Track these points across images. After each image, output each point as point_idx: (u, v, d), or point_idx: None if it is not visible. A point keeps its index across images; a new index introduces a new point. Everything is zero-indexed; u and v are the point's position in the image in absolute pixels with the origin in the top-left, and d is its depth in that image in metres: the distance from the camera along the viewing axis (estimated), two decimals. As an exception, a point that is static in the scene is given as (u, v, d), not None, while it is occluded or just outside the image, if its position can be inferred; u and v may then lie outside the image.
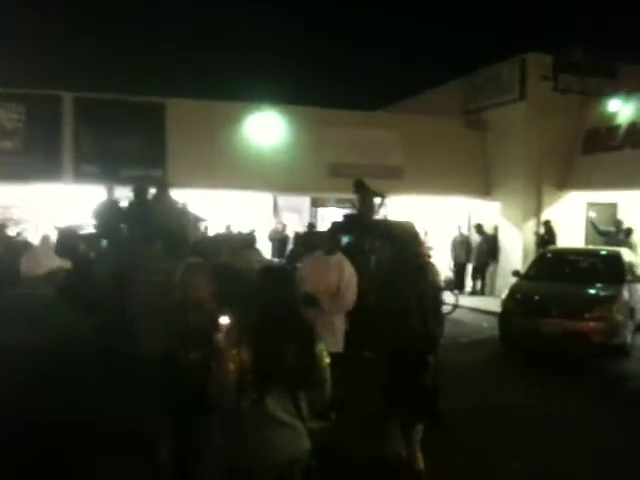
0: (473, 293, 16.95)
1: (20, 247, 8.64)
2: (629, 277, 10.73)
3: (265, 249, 13.93)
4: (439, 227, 17.45)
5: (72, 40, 28.04)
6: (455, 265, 17.47)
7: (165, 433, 4.50)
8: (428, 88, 19.97)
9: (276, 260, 14.72)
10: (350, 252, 6.64)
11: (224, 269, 5.51)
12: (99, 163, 13.97)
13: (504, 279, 14.66)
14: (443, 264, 14.85)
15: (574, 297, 10.11)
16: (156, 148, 14.48)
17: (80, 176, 13.96)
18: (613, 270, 10.84)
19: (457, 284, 16.47)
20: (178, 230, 7.21)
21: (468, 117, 18.04)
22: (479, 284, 17.24)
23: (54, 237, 9.64)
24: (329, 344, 3.63)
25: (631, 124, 15.25)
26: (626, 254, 11.55)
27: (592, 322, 9.61)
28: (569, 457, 5.86)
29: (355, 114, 16.92)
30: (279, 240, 16.39)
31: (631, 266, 11.19)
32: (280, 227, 16.92)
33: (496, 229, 17.38)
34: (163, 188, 9.23)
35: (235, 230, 13.40)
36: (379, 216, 10.21)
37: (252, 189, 15.29)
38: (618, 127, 15.53)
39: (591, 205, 16.14)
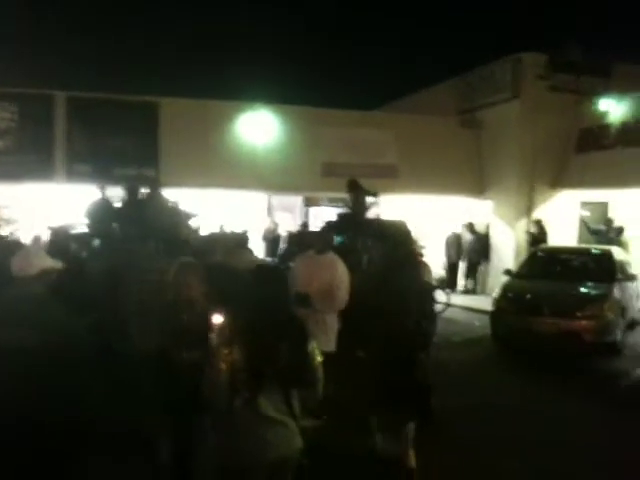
0: (465, 292, 16.99)
1: (12, 247, 8.61)
2: (620, 275, 10.79)
3: (259, 249, 13.94)
4: (433, 226, 17.48)
5: (67, 40, 28.05)
6: (448, 264, 17.51)
7: (162, 433, 4.51)
8: (423, 87, 19.99)
9: (269, 259, 14.71)
10: (343, 251, 6.64)
11: (217, 268, 5.52)
12: (92, 162, 13.93)
13: (496, 278, 14.70)
14: (436, 263, 14.87)
15: (566, 296, 10.16)
16: (149, 147, 14.45)
17: (73, 175, 13.92)
18: (604, 269, 10.90)
19: (449, 283, 16.51)
20: (171, 229, 7.22)
21: (463, 116, 18.07)
22: (471, 283, 17.28)
23: (46, 237, 9.62)
24: (321, 343, 3.65)
25: (624, 123, 15.29)
26: (617, 253, 11.61)
27: (584, 320, 9.66)
28: (562, 455, 5.89)
29: (349, 113, 16.92)
30: (272, 239, 16.38)
31: (622, 264, 11.25)
32: (272, 226, 16.91)
33: (488, 228, 17.42)
34: (155, 187, 9.21)
35: (228, 230, 13.40)
36: (372, 215, 10.21)
37: (246, 188, 15.28)
38: (611, 126, 15.58)
39: (584, 204, 16.20)
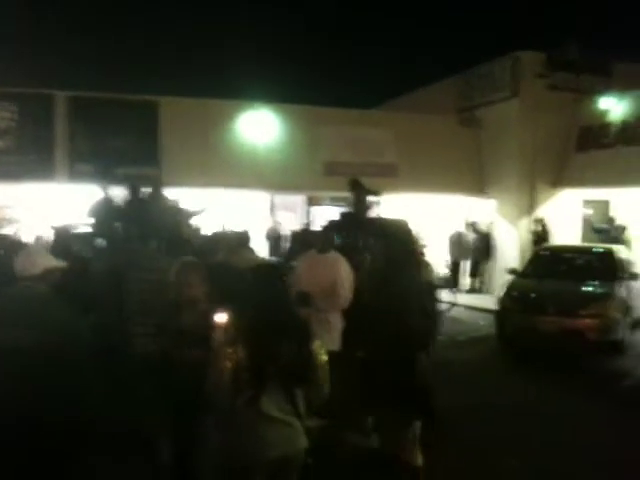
0: (470, 291, 16.96)
1: (15, 246, 8.61)
2: (624, 274, 10.76)
3: (262, 248, 13.92)
4: (434, 225, 17.45)
5: (68, 39, 28.02)
6: (451, 263, 17.48)
7: (163, 432, 4.48)
8: (422, 86, 19.97)
9: (273, 258, 14.70)
10: (345, 250, 6.61)
11: (220, 267, 5.49)
12: (93, 162, 13.86)
13: (500, 277, 14.66)
14: (439, 262, 14.85)
15: (570, 294, 10.13)
16: (150, 147, 14.43)
17: (74, 175, 13.90)
18: (608, 267, 10.86)
19: (453, 282, 16.50)
20: (174, 228, 7.20)
21: (462, 115, 18.05)
22: (476, 282, 17.25)
23: (49, 236, 9.61)
24: (325, 342, 3.61)
25: (624, 122, 15.28)
26: (621, 251, 11.58)
27: (587, 319, 9.62)
28: (566, 455, 5.87)
29: (349, 112, 16.91)
30: (275, 239, 16.36)
31: (626, 263, 11.22)
32: (275, 226, 16.89)
33: (491, 227, 17.39)
34: (158, 187, 9.19)
35: (230, 229, 13.38)
36: (374, 214, 10.19)
37: (247, 188, 15.25)
38: (611, 125, 15.57)
39: (586, 202, 16.16)
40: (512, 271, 11.79)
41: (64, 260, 3.73)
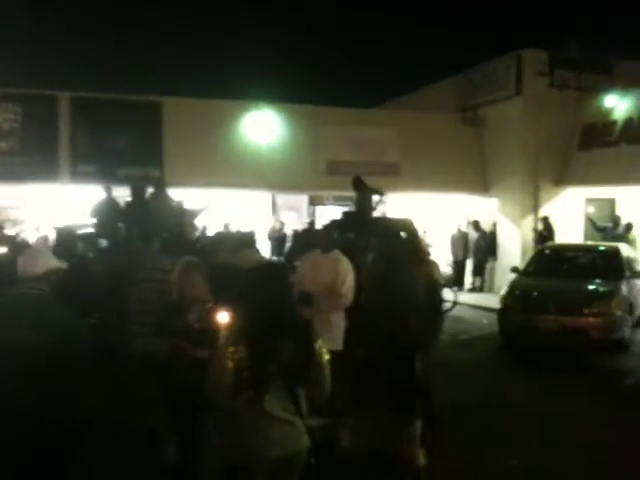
0: (472, 290, 16.95)
1: (21, 247, 8.65)
2: (628, 272, 10.74)
3: (264, 248, 13.93)
4: (437, 224, 17.45)
5: (69, 40, 28.02)
6: (454, 262, 17.47)
7: (164, 433, 4.49)
8: (424, 85, 19.95)
9: (275, 259, 14.71)
10: (348, 250, 6.61)
11: (223, 268, 5.50)
12: (96, 163, 13.94)
13: (503, 276, 14.66)
14: (442, 261, 14.85)
15: (573, 293, 10.11)
16: (153, 147, 14.45)
17: (77, 176, 13.93)
18: (612, 266, 10.84)
19: (456, 281, 16.49)
20: (176, 229, 7.21)
21: (464, 114, 18.03)
22: (478, 281, 17.24)
23: (53, 237, 9.64)
24: (327, 342, 3.62)
25: (627, 120, 15.26)
26: (625, 250, 11.55)
27: (591, 318, 9.61)
28: (566, 454, 5.85)
29: (352, 112, 16.91)
30: (277, 238, 16.37)
31: (630, 261, 11.20)
32: (278, 225, 16.90)
33: (494, 226, 17.38)
34: (160, 187, 9.22)
35: (234, 229, 13.41)
36: (378, 213, 10.20)
37: (250, 187, 15.27)
38: (614, 123, 15.54)
39: (589, 201, 16.14)
40: (515, 270, 11.77)
41: (66, 260, 3.74)
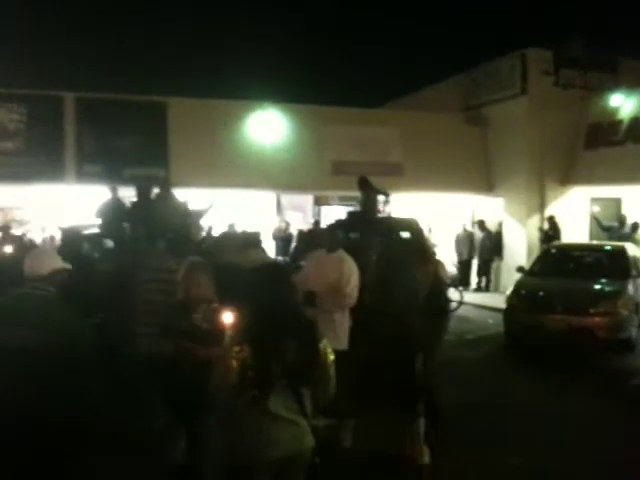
0: (478, 289, 16.93)
1: (28, 247, 8.69)
2: (634, 272, 10.69)
3: (269, 248, 13.94)
4: (442, 224, 17.43)
5: (72, 40, 28.02)
6: (459, 262, 17.45)
7: (167, 432, 4.50)
8: (427, 85, 19.93)
9: (280, 258, 14.72)
10: (352, 250, 6.61)
11: (228, 268, 5.51)
12: (101, 163, 13.95)
13: (509, 275, 14.63)
14: (447, 261, 14.83)
15: (579, 293, 10.08)
16: (158, 147, 14.46)
17: (82, 176, 13.95)
18: (618, 265, 10.80)
19: (462, 281, 16.46)
20: (181, 229, 7.22)
21: (468, 113, 17.99)
22: (484, 280, 17.21)
23: (58, 237, 9.67)
24: (331, 341, 3.61)
25: (633, 119, 15.20)
26: (631, 249, 11.51)
27: (597, 317, 9.58)
28: (573, 454, 5.83)
29: (355, 111, 16.90)
30: (283, 238, 16.39)
31: (636, 261, 11.14)
32: (284, 225, 16.92)
33: (500, 225, 17.35)
34: (166, 187, 9.23)
35: (239, 229, 13.44)
36: (384, 213, 10.20)
37: (254, 188, 15.28)
38: (620, 122, 15.48)
39: (595, 200, 16.08)
40: (520, 269, 11.75)
41: (72, 260, 3.75)
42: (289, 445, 3.33)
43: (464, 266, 17.40)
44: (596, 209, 15.85)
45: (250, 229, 11.09)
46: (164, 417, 4.51)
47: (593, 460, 5.69)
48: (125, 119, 14.25)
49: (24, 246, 9.94)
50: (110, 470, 4.33)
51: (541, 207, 16.43)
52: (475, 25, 34.56)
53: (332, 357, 3.44)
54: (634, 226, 13.66)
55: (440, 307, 6.44)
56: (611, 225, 14.17)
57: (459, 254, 17.45)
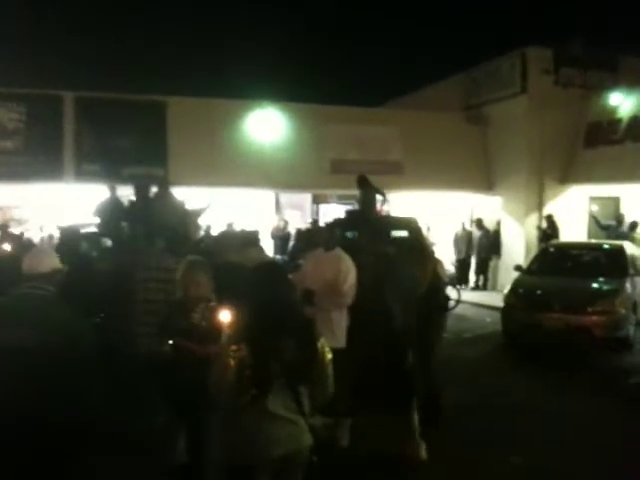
0: (476, 288, 16.94)
1: (27, 246, 8.69)
2: (632, 271, 10.71)
3: (268, 246, 13.95)
4: (441, 223, 17.44)
5: (72, 40, 28.02)
6: (457, 260, 17.46)
7: (167, 432, 4.50)
8: (427, 84, 19.93)
9: (278, 257, 14.74)
10: (350, 248, 6.63)
11: (226, 266, 5.51)
12: (100, 162, 13.96)
13: (507, 274, 14.65)
14: (445, 259, 14.84)
15: (576, 291, 10.09)
16: (157, 146, 14.46)
17: (81, 175, 13.96)
18: (616, 264, 10.82)
19: (460, 279, 16.48)
20: (180, 228, 7.22)
21: (469, 112, 18.00)
22: (482, 279, 17.22)
23: (57, 236, 9.67)
24: (329, 340, 3.63)
25: (633, 117, 15.21)
26: (629, 248, 11.52)
27: (595, 316, 9.60)
28: (571, 453, 5.83)
29: (355, 110, 16.90)
30: (281, 237, 16.40)
31: (634, 260, 11.17)
32: (282, 224, 16.92)
33: (498, 224, 17.36)
34: (165, 186, 9.23)
35: (238, 228, 13.44)
36: (383, 212, 10.23)
37: (254, 186, 15.29)
38: (620, 121, 15.49)
39: (593, 199, 16.10)
40: (518, 268, 11.76)
41: (70, 259, 3.76)
42: (288, 444, 3.35)
43: (462, 264, 17.41)
44: (594, 208, 15.86)
45: (249, 228, 11.07)
46: (164, 417, 4.52)
47: (592, 459, 5.70)
48: (124, 118, 14.25)
49: (23, 245, 9.95)
50: (110, 470, 4.34)
51: (540, 206, 16.43)
52: (475, 25, 34.60)
53: (330, 356, 3.45)
54: (632, 225, 13.67)
55: (439, 305, 6.47)
56: (609, 224, 14.17)
57: (458, 252, 17.46)
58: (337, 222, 9.83)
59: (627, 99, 15.45)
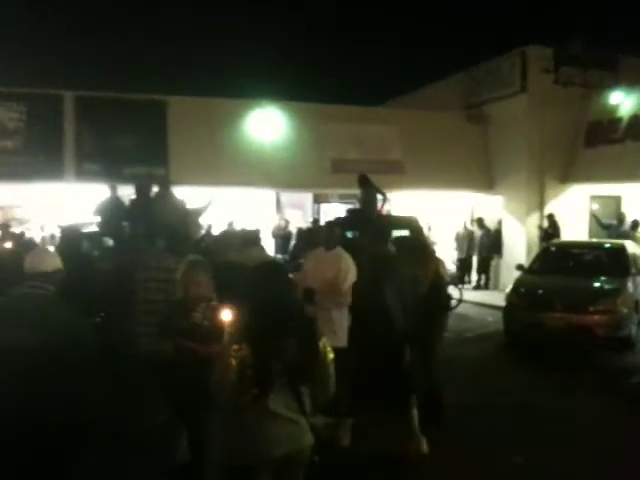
0: (477, 287, 16.93)
1: (27, 246, 8.68)
2: (633, 270, 10.69)
3: (269, 246, 13.95)
4: (442, 222, 17.43)
5: (72, 40, 28.04)
6: (459, 259, 17.45)
7: (173, 433, 4.49)
8: (427, 83, 19.91)
9: (280, 256, 14.73)
10: (353, 248, 6.62)
11: (227, 266, 5.50)
12: (101, 161, 13.94)
13: (508, 273, 14.63)
14: (447, 258, 14.83)
15: (578, 290, 10.07)
16: (158, 146, 14.44)
17: (82, 175, 13.94)
18: (617, 263, 10.80)
19: (461, 278, 16.47)
20: (180, 227, 7.21)
21: (469, 111, 17.97)
22: (483, 278, 17.21)
23: (58, 235, 9.66)
24: (330, 339, 3.62)
25: (633, 116, 15.19)
26: (630, 247, 11.51)
27: (596, 315, 9.58)
28: (572, 452, 5.82)
29: (356, 109, 16.87)
30: (282, 236, 16.39)
31: (636, 259, 11.14)
32: (283, 223, 16.91)
33: (500, 223, 17.34)
34: (165, 186, 9.22)
35: (238, 227, 13.43)
36: (383, 211, 10.21)
37: (254, 186, 15.27)
38: (620, 120, 15.47)
39: (594, 198, 16.09)
40: (520, 267, 11.74)
41: (71, 259, 3.76)
42: (289, 443, 3.34)
43: (464, 264, 17.40)
44: (595, 207, 15.85)
45: (249, 227, 11.06)
46: (165, 416, 4.51)
47: (595, 458, 5.70)
48: (125, 118, 14.23)
49: (24, 244, 9.94)
50: (110, 470, 4.33)
51: (541, 205, 16.42)
52: (475, 25, 34.61)
53: (332, 356, 3.44)
54: (634, 224, 13.65)
55: (440, 304, 6.46)
56: (610, 223, 14.16)
57: (459, 251, 17.45)
58: (337, 221, 9.81)
59: (627, 98, 15.44)
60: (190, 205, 8.74)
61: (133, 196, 9.21)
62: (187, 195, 9.46)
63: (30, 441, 3.02)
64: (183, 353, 4.11)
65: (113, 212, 9.21)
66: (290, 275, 4.50)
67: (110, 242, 8.87)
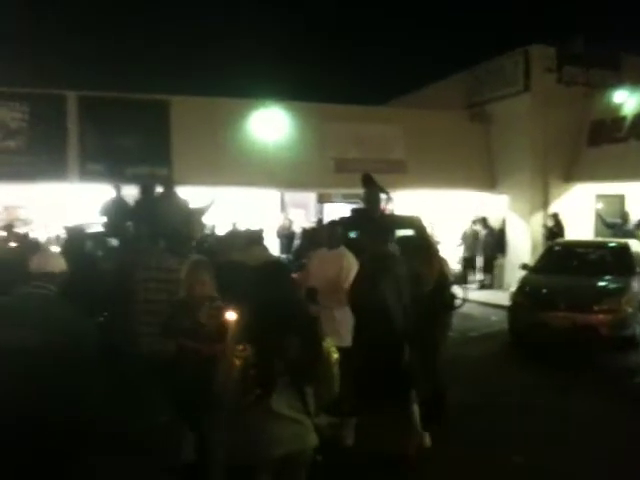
0: (482, 287, 16.89)
1: (31, 246, 8.69)
2: (638, 269, 10.65)
3: (273, 245, 13.93)
4: (446, 221, 17.40)
5: (74, 40, 28.06)
6: (464, 258, 17.43)
7: (168, 432, 4.49)
8: (430, 83, 19.89)
9: (284, 256, 14.72)
10: (357, 247, 6.61)
11: (229, 265, 5.50)
12: (104, 162, 13.94)
13: (513, 272, 14.60)
14: (451, 258, 14.81)
15: (583, 290, 10.05)
16: (161, 146, 14.44)
17: (85, 175, 13.95)
18: (622, 262, 10.76)
19: (466, 278, 16.44)
20: (183, 228, 7.21)
21: (472, 110, 17.94)
22: (488, 278, 17.18)
23: (62, 236, 9.67)
24: (333, 338, 3.61)
25: (636, 115, 15.16)
26: (635, 246, 11.47)
27: (601, 315, 9.55)
28: (575, 453, 5.80)
29: (358, 109, 16.85)
30: (286, 236, 16.37)
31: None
32: (287, 223, 16.90)
33: (503, 222, 17.32)
34: (169, 186, 9.22)
35: (242, 227, 13.43)
36: (387, 211, 10.19)
37: (257, 186, 15.26)
38: (623, 118, 15.45)
39: (599, 197, 16.06)
40: (524, 266, 11.72)
41: (75, 259, 3.76)
42: (292, 443, 3.33)
43: (469, 263, 17.38)
44: (600, 206, 15.81)
45: (253, 227, 11.06)
46: (166, 416, 4.50)
47: (597, 458, 5.67)
48: (128, 118, 14.23)
49: (28, 244, 9.95)
50: (110, 470, 4.33)
51: (545, 204, 16.39)
52: (476, 25, 34.59)
53: (336, 355, 3.43)
54: (638, 223, 13.63)
55: (445, 304, 6.45)
56: (615, 222, 14.13)
57: (467, 251, 17.42)
58: (339, 220, 9.80)
59: (631, 97, 15.41)
60: (194, 205, 8.75)
61: (137, 196, 9.21)
62: (190, 195, 9.46)
63: (30, 441, 3.01)
64: (185, 353, 4.11)
65: (117, 212, 9.22)
66: (294, 275, 4.49)
67: (114, 242, 8.87)
